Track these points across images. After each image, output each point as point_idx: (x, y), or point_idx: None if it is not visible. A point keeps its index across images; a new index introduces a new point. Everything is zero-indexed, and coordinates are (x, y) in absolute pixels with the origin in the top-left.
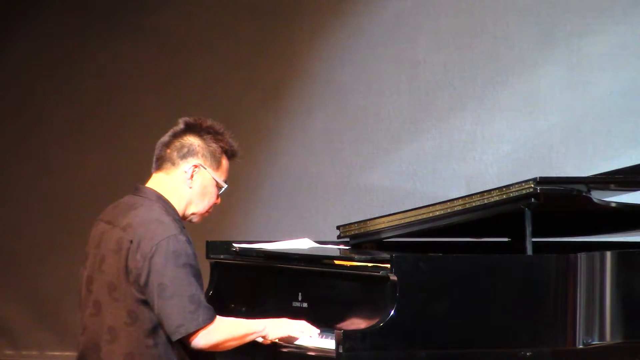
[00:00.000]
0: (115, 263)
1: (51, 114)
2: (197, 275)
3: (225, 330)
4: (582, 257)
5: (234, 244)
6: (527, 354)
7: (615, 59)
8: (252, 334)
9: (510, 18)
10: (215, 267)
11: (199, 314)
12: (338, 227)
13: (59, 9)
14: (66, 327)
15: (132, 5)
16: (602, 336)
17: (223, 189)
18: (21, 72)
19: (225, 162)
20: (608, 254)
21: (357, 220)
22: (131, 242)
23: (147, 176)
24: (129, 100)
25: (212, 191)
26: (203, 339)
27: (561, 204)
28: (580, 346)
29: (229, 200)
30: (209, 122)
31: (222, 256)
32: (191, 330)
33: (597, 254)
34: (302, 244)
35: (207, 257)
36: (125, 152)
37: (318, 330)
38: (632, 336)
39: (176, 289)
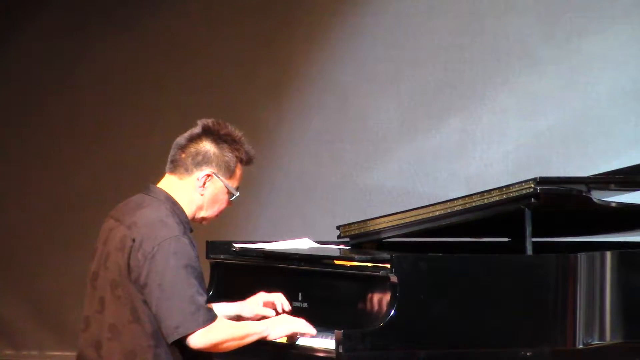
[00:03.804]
0: (118, 260)
1: (52, 113)
2: (199, 277)
3: (226, 330)
4: (582, 257)
5: (234, 244)
6: (527, 354)
7: (615, 59)
8: (252, 334)
9: (510, 18)
10: (215, 267)
11: (199, 315)
12: (338, 227)
13: (59, 8)
14: (66, 327)
15: (133, 4)
16: (602, 336)
17: (234, 196)
18: (21, 71)
19: (239, 170)
20: (608, 254)
21: (357, 220)
22: (134, 240)
23: (150, 175)
24: (129, 101)
25: (223, 198)
26: (202, 338)
27: (561, 204)
28: (580, 346)
29: None
30: (227, 129)
31: (222, 256)
32: (190, 331)
33: (597, 254)
34: (302, 244)
35: (207, 257)
36: (126, 152)
37: (315, 331)
38: (632, 336)
39: (176, 290)
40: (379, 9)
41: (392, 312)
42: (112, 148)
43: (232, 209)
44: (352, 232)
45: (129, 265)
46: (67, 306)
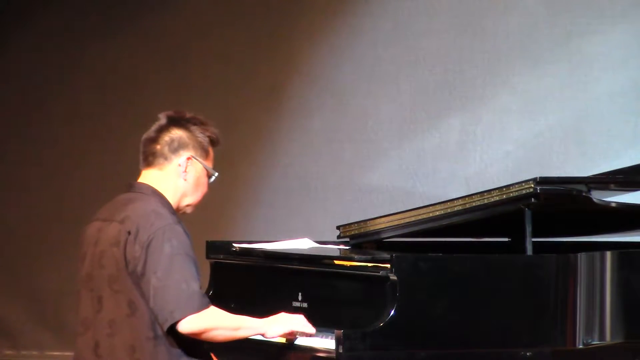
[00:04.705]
0: (115, 255)
1: (50, 113)
2: (194, 264)
3: (217, 318)
4: (582, 257)
5: (234, 244)
6: (527, 354)
7: (615, 59)
8: (247, 329)
9: (510, 18)
10: (215, 267)
11: (193, 300)
12: (338, 227)
13: (58, 8)
14: (66, 327)
15: (131, 4)
16: (602, 336)
17: (213, 177)
18: (19, 71)
19: (211, 151)
20: (608, 254)
21: (357, 220)
22: (129, 233)
23: None
24: (128, 101)
25: (204, 181)
26: (192, 323)
27: (561, 204)
28: (581, 346)
29: (229, 200)
30: (190, 114)
31: (222, 256)
32: (183, 316)
33: (597, 254)
34: (302, 244)
35: (207, 257)
36: (125, 152)
37: (314, 330)
38: (632, 336)
39: (171, 277)
40: (378, 9)
41: (392, 312)
42: (111, 149)
43: (232, 209)
44: (352, 232)
45: (125, 258)
46: (67, 306)
